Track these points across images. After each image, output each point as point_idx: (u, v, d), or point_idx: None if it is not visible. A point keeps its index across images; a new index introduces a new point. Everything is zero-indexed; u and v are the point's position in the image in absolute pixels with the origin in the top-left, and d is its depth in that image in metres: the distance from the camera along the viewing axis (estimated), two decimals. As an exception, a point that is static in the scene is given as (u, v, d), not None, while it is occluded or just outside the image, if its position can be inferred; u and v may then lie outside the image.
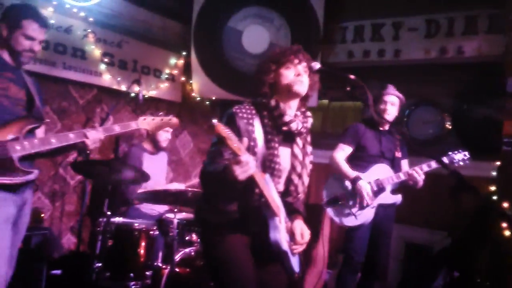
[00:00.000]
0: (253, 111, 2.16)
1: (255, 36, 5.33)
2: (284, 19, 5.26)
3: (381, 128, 3.73)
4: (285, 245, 2.06)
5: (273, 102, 2.15)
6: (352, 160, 3.71)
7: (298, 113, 2.24)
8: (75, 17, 4.30)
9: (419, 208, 3.56)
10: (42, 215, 3.91)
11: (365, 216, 3.58)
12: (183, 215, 3.87)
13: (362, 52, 5.13)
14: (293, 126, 2.16)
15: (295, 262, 2.15)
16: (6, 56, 2.53)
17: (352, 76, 2.09)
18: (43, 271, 3.68)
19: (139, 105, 4.86)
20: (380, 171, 3.66)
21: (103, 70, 4.62)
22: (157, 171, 4.43)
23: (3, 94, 2.41)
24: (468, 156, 3.73)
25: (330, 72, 2.16)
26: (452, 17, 4.64)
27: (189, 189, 3.90)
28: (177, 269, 3.44)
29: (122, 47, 4.78)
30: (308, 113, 2.28)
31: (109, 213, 3.40)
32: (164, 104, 5.32)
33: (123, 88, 4.68)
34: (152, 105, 5.13)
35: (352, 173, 3.58)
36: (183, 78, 5.49)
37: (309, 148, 2.28)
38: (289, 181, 2.21)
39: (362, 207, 3.55)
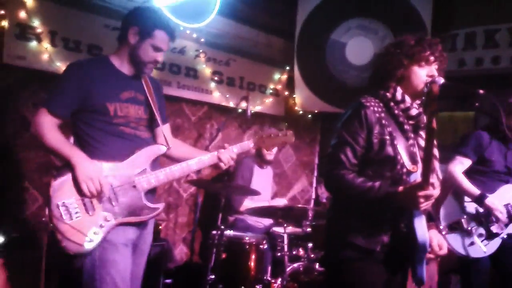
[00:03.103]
0: (380, 104, 2.03)
1: (359, 47, 5.26)
2: (389, 29, 5.14)
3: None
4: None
5: (399, 96, 2.02)
6: (470, 173, 3.26)
7: (416, 104, 2.07)
8: (188, 38, 4.51)
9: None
10: (160, 227, 4.12)
11: (494, 245, 3.16)
12: (290, 229, 3.89)
13: (474, 60, 4.87)
14: (422, 119, 2.04)
15: (424, 271, 1.99)
16: (125, 67, 2.31)
17: (481, 91, 1.95)
18: (160, 281, 3.89)
19: (246, 120, 4.99)
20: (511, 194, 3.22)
21: (213, 88, 4.81)
22: (264, 185, 4.51)
23: (124, 123, 2.25)
24: None
25: (457, 87, 2.01)
26: None
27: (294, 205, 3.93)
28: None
29: (230, 65, 4.96)
30: None
31: (222, 227, 3.51)
32: (268, 118, 5.42)
33: (231, 104, 4.86)
34: (257, 120, 5.25)
35: (476, 190, 3.16)
36: (286, 93, 5.57)
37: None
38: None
39: (491, 235, 3.13)
